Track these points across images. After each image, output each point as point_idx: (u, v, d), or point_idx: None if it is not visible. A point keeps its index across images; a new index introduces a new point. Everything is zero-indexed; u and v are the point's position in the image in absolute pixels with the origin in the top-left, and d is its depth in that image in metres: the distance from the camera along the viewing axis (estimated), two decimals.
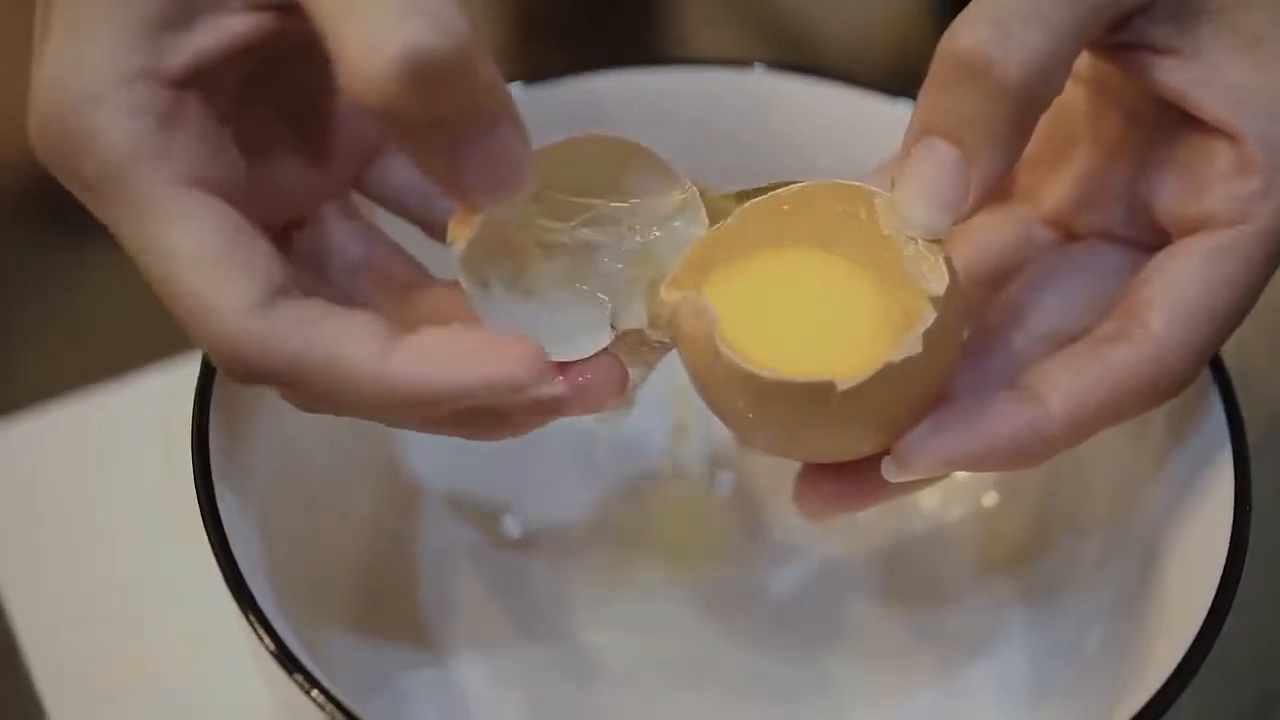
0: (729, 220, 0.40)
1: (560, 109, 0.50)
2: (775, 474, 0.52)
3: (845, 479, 0.42)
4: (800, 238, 0.40)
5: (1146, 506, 0.45)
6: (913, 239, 0.39)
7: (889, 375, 0.37)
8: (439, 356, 0.36)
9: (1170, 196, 0.41)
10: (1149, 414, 0.41)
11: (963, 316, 0.40)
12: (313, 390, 0.37)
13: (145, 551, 0.53)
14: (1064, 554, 0.49)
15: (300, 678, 0.38)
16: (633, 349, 0.41)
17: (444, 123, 0.35)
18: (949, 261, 0.39)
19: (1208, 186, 0.40)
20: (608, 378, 0.39)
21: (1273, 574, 0.52)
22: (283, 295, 0.37)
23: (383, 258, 0.43)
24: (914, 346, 0.37)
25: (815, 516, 0.43)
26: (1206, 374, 0.43)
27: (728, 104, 0.50)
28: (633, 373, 0.41)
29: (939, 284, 0.38)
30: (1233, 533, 0.41)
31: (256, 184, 0.39)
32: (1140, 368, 0.39)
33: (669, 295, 0.40)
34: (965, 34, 0.37)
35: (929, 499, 0.52)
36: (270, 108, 0.41)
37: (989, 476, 0.52)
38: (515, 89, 0.49)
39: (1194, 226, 0.40)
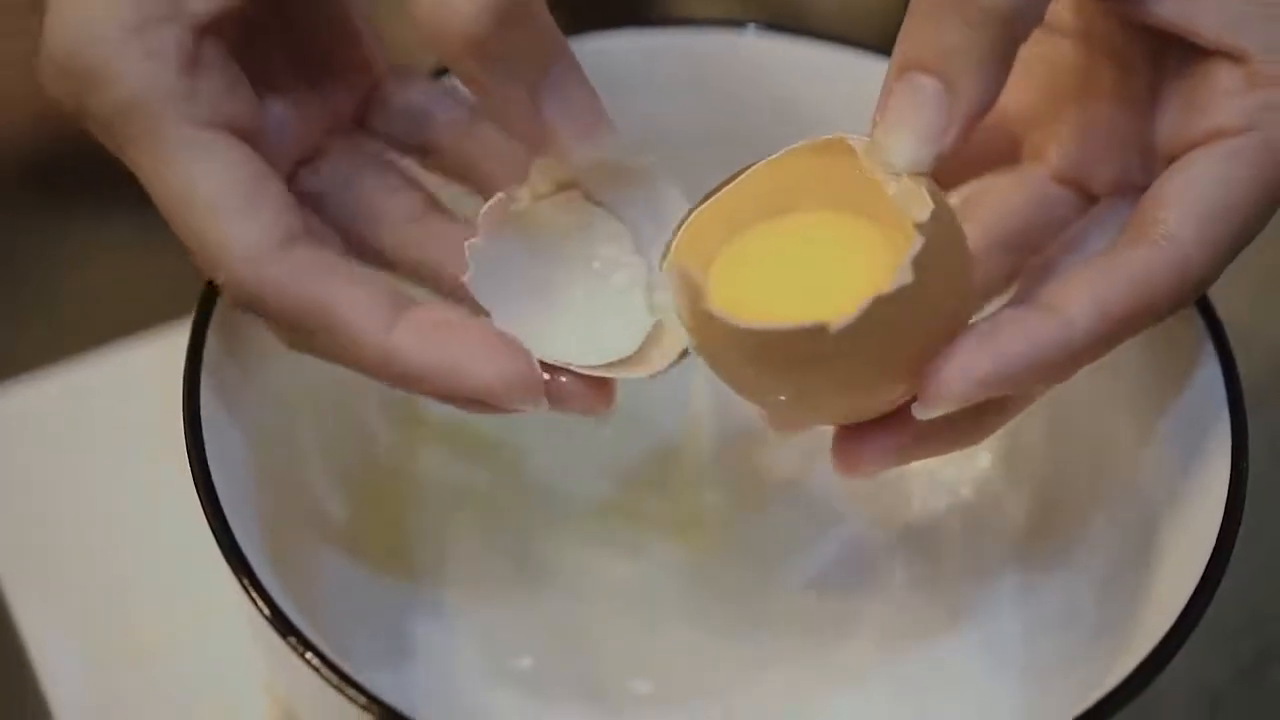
0: (717, 196, 0.40)
1: None
2: (775, 445, 0.52)
3: (881, 434, 0.40)
4: (794, 201, 0.40)
5: (1143, 468, 0.45)
6: (897, 176, 0.38)
7: (884, 309, 0.36)
8: (439, 344, 0.38)
9: (1178, 126, 0.41)
10: (1145, 376, 0.41)
11: (961, 244, 0.39)
12: (313, 344, 0.39)
13: (142, 526, 0.53)
14: (1060, 518, 0.49)
15: (294, 640, 0.38)
16: None
17: (525, 59, 0.37)
18: (934, 189, 0.38)
19: (1215, 106, 0.39)
20: (594, 395, 0.40)
21: (1267, 530, 0.52)
22: (296, 242, 0.39)
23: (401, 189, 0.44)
24: (904, 277, 0.36)
25: (855, 475, 0.41)
26: (1202, 331, 0.43)
27: (721, 65, 0.50)
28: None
29: (923, 211, 0.37)
30: (1229, 491, 0.41)
31: (265, 121, 0.41)
32: (1161, 269, 0.38)
33: (666, 272, 0.40)
34: None
35: (924, 463, 0.51)
36: (273, 44, 0.42)
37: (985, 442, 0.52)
38: None
39: (1204, 141, 0.39)
